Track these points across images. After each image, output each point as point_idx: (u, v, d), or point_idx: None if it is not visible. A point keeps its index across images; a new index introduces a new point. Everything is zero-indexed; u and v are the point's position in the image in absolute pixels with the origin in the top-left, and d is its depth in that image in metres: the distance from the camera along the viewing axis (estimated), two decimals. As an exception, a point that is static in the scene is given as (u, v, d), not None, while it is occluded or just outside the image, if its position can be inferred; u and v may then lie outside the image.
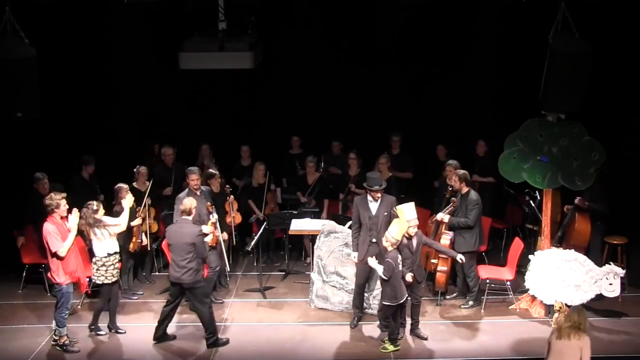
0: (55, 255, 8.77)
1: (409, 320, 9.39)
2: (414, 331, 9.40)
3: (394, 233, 8.86)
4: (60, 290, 8.91)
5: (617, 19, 10.97)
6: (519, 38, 11.75)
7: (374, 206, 9.48)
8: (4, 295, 10.64)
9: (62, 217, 8.92)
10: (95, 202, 9.27)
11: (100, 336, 9.39)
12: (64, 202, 8.93)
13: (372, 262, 9.03)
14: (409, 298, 9.10)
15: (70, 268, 8.86)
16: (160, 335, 9.24)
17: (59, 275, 8.85)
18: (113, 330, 9.49)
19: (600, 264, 9.71)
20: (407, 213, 9.03)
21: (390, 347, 9.05)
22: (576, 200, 10.15)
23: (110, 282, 9.30)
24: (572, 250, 9.71)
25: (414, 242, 9.12)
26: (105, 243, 9.25)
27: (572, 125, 9.60)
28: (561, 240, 10.26)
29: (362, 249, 9.47)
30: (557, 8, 9.16)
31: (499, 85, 12.40)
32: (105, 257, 9.24)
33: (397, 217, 9.06)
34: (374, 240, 9.41)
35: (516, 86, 11.86)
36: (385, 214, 9.41)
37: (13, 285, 10.72)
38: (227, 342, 9.20)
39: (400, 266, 8.92)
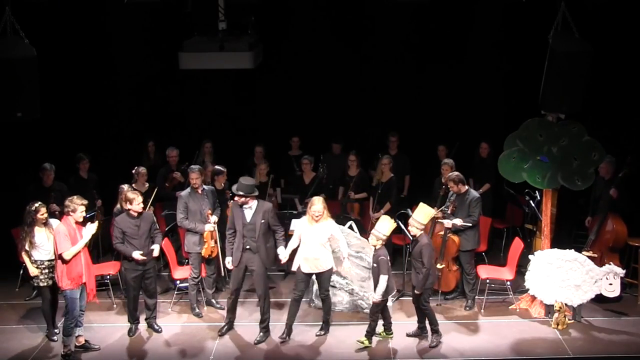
0: (60, 257, 8.68)
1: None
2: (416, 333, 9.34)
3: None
4: (65, 296, 8.81)
5: (617, 19, 10.99)
6: (519, 38, 11.75)
7: (248, 213, 9.26)
8: (1, 294, 10.62)
9: (76, 222, 8.82)
10: (38, 203, 9.04)
11: (52, 341, 9.29)
12: (82, 209, 8.79)
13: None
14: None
15: (74, 274, 8.73)
16: None
17: (62, 280, 8.73)
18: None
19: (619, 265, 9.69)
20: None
21: (366, 342, 9.11)
22: (611, 192, 10.09)
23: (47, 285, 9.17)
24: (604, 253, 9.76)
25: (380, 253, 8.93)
26: (48, 246, 9.02)
27: (572, 125, 9.60)
28: (592, 244, 10.18)
29: (236, 255, 9.27)
30: (557, 8, 9.16)
31: (498, 85, 12.41)
32: (48, 260, 9.05)
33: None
34: (247, 247, 9.22)
35: (516, 86, 11.86)
36: (263, 221, 9.18)
37: (10, 284, 10.70)
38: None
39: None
